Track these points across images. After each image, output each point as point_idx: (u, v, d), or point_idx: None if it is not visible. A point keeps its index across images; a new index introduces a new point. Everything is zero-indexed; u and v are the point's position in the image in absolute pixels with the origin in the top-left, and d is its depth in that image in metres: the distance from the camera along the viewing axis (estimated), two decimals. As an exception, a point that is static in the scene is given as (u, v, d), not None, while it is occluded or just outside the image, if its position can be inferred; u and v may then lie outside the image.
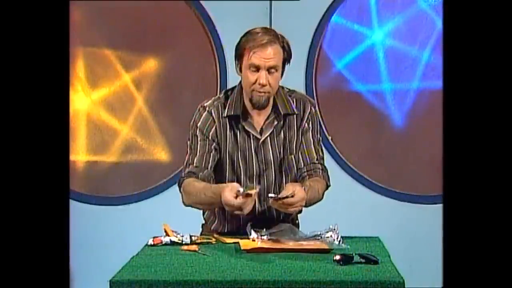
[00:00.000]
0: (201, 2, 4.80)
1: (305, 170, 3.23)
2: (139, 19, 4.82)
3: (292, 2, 4.75)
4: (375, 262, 2.65)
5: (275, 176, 3.24)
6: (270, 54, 3.09)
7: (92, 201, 4.82)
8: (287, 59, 3.16)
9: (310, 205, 3.10)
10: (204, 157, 3.19)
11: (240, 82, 3.21)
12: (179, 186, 3.20)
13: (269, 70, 3.10)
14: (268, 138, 3.22)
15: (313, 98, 4.74)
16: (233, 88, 3.27)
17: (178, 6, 4.82)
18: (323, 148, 3.35)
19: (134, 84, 4.87)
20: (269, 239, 2.94)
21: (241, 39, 3.15)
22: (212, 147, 3.20)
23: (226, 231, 3.28)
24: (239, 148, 3.21)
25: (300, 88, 4.66)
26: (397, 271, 2.56)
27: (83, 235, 4.67)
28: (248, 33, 3.15)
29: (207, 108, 3.22)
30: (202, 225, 3.39)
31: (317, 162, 3.25)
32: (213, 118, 3.21)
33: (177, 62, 4.85)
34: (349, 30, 4.86)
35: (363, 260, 2.66)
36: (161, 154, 4.89)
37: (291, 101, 3.25)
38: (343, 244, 2.91)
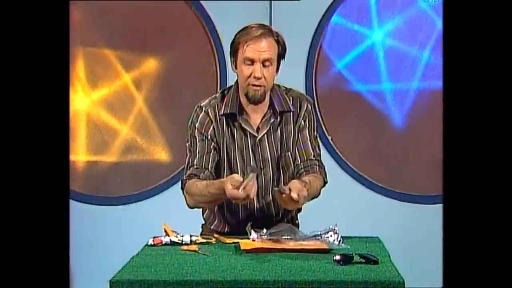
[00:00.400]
0: (201, 2, 4.80)
1: (302, 166, 3.23)
2: (139, 19, 4.82)
3: (292, 2, 4.75)
4: (375, 262, 2.65)
5: (272, 174, 3.24)
6: (264, 47, 3.10)
7: (92, 201, 4.82)
8: (281, 54, 3.17)
9: (308, 201, 3.09)
10: (204, 158, 3.20)
11: (237, 81, 3.22)
12: (182, 189, 3.21)
13: (263, 63, 3.11)
14: (265, 135, 3.23)
15: (313, 98, 4.74)
16: (230, 87, 3.28)
17: (178, 6, 4.82)
18: (320, 145, 3.35)
19: (134, 84, 4.87)
20: (269, 239, 2.94)
21: (235, 35, 3.17)
22: (211, 146, 3.20)
23: (226, 231, 3.28)
24: (236, 146, 3.21)
25: (300, 88, 4.66)
26: (397, 271, 2.56)
27: (83, 235, 4.66)
28: (242, 29, 3.16)
29: (203, 108, 3.23)
30: (202, 225, 3.39)
31: (314, 158, 3.25)
32: (210, 117, 3.22)
33: (177, 62, 4.85)
34: (349, 30, 4.87)
35: (363, 260, 2.66)
36: (161, 154, 4.89)
37: (288, 99, 3.25)
38: (343, 244, 2.91)
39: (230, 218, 3.28)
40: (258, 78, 3.11)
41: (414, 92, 4.89)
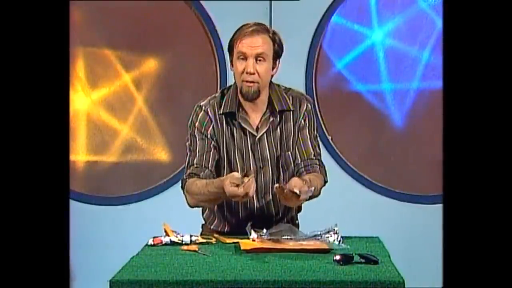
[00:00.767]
0: (201, 2, 4.80)
1: (302, 165, 3.23)
2: (139, 19, 4.82)
3: (292, 2, 4.75)
4: (375, 262, 2.65)
5: (272, 173, 3.24)
6: (257, 42, 3.11)
7: (92, 201, 4.83)
8: (278, 51, 3.17)
9: (308, 199, 3.09)
10: (204, 157, 3.20)
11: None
12: (182, 189, 3.21)
13: (257, 58, 3.11)
14: (264, 135, 3.23)
15: (313, 98, 4.74)
16: (229, 87, 3.28)
17: (178, 6, 4.82)
18: (320, 145, 3.35)
19: (134, 84, 4.87)
20: (269, 239, 2.94)
21: (232, 34, 3.17)
22: (211, 145, 3.21)
23: (226, 231, 3.28)
24: (236, 146, 3.22)
25: (300, 88, 4.66)
26: (397, 271, 2.56)
27: (83, 235, 4.66)
28: (239, 27, 3.17)
29: (203, 108, 3.24)
30: (202, 225, 3.39)
31: (314, 158, 3.25)
32: (209, 116, 3.22)
33: (177, 62, 4.85)
34: (349, 30, 4.87)
35: (363, 260, 2.66)
36: (161, 154, 4.89)
37: (288, 98, 3.25)
38: (343, 244, 2.91)
39: (230, 218, 3.28)
40: (251, 74, 3.12)
41: (414, 92, 4.89)
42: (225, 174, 3.18)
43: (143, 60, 4.86)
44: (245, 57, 3.12)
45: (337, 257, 2.65)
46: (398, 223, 4.82)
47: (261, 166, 3.23)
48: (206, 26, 4.81)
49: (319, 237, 2.95)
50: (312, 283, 2.44)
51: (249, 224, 3.05)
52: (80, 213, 4.70)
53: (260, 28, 3.14)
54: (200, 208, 3.35)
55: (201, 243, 3.00)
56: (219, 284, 2.45)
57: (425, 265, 4.57)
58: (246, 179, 2.87)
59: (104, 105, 4.86)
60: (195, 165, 3.20)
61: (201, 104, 3.25)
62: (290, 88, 3.31)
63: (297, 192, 2.89)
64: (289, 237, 2.96)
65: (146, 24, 4.82)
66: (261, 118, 3.23)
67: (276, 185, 2.96)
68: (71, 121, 4.65)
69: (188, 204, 3.22)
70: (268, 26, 3.23)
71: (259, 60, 3.12)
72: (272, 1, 4.78)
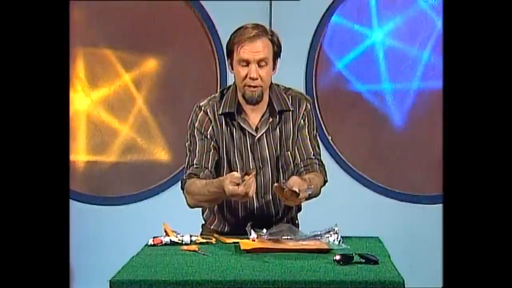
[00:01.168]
0: (201, 2, 4.80)
1: (302, 165, 3.23)
2: (139, 19, 4.82)
3: (292, 2, 4.75)
4: (375, 262, 2.65)
5: (271, 173, 3.24)
6: (259, 47, 3.10)
7: (92, 201, 4.82)
8: (277, 52, 3.17)
9: (308, 199, 3.09)
10: (204, 157, 3.20)
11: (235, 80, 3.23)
12: (182, 189, 3.21)
13: (259, 63, 3.11)
14: (264, 135, 3.23)
15: (313, 98, 4.74)
16: (229, 87, 3.28)
17: (178, 6, 4.82)
18: (320, 145, 3.35)
19: (134, 84, 4.87)
20: (269, 239, 2.94)
21: (230, 36, 3.17)
22: (211, 145, 3.21)
23: (226, 231, 3.28)
24: (235, 146, 3.22)
25: (300, 88, 4.66)
26: (397, 271, 2.56)
27: (83, 235, 4.67)
28: (237, 29, 3.16)
29: (202, 108, 3.24)
30: (202, 225, 3.39)
31: (313, 157, 3.25)
32: (209, 117, 3.22)
33: (177, 62, 4.85)
34: (349, 30, 4.86)
35: (363, 260, 2.66)
36: (161, 154, 4.89)
37: (287, 98, 3.25)
38: (343, 244, 2.91)
39: (230, 218, 3.28)
40: (254, 79, 3.12)
41: (414, 92, 4.89)
42: (224, 175, 3.18)
43: (143, 60, 4.86)
44: (247, 63, 3.12)
45: (337, 257, 2.65)
46: (398, 223, 4.82)
47: (261, 166, 3.23)
48: (206, 26, 4.81)
49: (319, 237, 2.95)
50: (312, 283, 2.44)
51: (249, 224, 3.05)
52: (80, 213, 4.70)
53: (260, 32, 3.13)
54: (200, 208, 3.35)
55: (201, 243, 3.00)
56: (219, 284, 2.45)
57: (425, 265, 4.57)
58: (246, 178, 2.88)
59: (104, 105, 4.86)
60: (194, 165, 3.20)
61: (201, 104, 3.26)
62: (289, 88, 3.30)
63: (297, 190, 2.89)
64: (289, 237, 2.96)
65: (146, 24, 4.82)
66: (261, 118, 3.23)
67: (276, 184, 2.96)
68: (71, 121, 4.65)
69: (188, 204, 3.22)
70: (266, 26, 3.23)
71: (261, 65, 3.12)
72: (272, 1, 4.78)
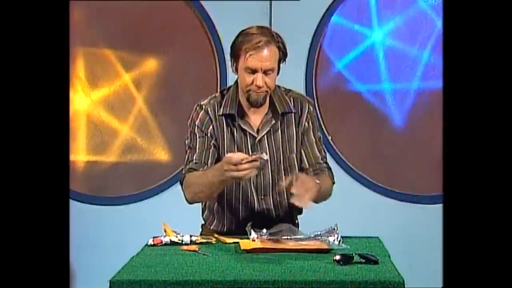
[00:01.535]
0: (201, 2, 4.80)
1: (311, 170, 3.23)
2: (139, 19, 4.81)
3: (292, 2, 4.75)
4: (375, 262, 2.65)
5: (272, 175, 3.24)
6: (266, 57, 3.09)
7: (92, 201, 4.82)
8: (282, 58, 3.16)
9: (320, 201, 3.09)
10: (204, 154, 3.20)
11: (236, 80, 3.22)
12: (181, 184, 3.20)
13: (265, 72, 3.10)
14: (265, 136, 3.23)
15: (313, 98, 4.74)
16: (229, 87, 3.27)
17: (178, 6, 4.82)
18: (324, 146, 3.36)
19: (134, 84, 4.87)
20: (269, 239, 2.94)
21: (236, 38, 3.14)
22: (211, 143, 3.21)
23: (226, 231, 3.28)
24: (236, 147, 3.21)
25: (300, 88, 4.67)
26: (397, 271, 2.56)
27: (83, 235, 4.67)
28: (243, 33, 3.14)
29: (203, 107, 3.23)
30: (202, 225, 3.39)
31: (322, 161, 3.27)
32: (209, 116, 3.22)
33: (177, 62, 4.85)
34: (349, 30, 4.86)
35: (363, 260, 2.66)
36: (161, 154, 4.89)
37: (288, 100, 3.25)
38: (343, 244, 2.91)
39: (230, 218, 3.28)
40: (260, 87, 3.11)
41: (414, 92, 4.89)
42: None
43: (143, 60, 4.86)
44: (253, 71, 3.11)
45: (337, 257, 2.65)
46: (398, 223, 4.82)
47: (261, 167, 3.22)
48: (206, 26, 4.81)
49: (319, 237, 2.95)
50: (312, 283, 2.44)
51: (249, 224, 3.05)
52: (80, 213, 4.70)
53: (268, 39, 3.09)
54: (200, 208, 3.35)
55: (201, 243, 3.00)
56: (219, 284, 2.45)
57: (425, 265, 4.57)
58: (248, 158, 2.86)
59: (104, 105, 4.86)
60: (194, 161, 3.19)
61: (202, 103, 3.25)
62: (290, 90, 3.30)
63: (317, 181, 2.92)
64: (289, 237, 2.96)
65: (146, 24, 4.82)
66: (262, 119, 3.23)
67: (282, 184, 2.96)
68: (71, 121, 4.65)
69: (187, 199, 3.20)
70: (270, 28, 3.21)
71: (268, 74, 3.11)
72: (272, 1, 4.78)
